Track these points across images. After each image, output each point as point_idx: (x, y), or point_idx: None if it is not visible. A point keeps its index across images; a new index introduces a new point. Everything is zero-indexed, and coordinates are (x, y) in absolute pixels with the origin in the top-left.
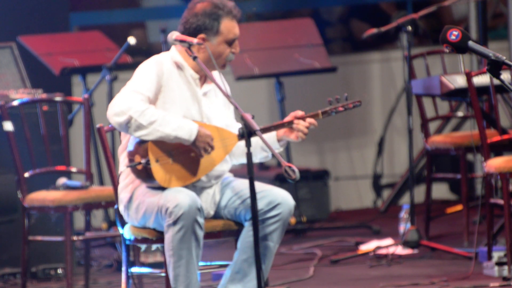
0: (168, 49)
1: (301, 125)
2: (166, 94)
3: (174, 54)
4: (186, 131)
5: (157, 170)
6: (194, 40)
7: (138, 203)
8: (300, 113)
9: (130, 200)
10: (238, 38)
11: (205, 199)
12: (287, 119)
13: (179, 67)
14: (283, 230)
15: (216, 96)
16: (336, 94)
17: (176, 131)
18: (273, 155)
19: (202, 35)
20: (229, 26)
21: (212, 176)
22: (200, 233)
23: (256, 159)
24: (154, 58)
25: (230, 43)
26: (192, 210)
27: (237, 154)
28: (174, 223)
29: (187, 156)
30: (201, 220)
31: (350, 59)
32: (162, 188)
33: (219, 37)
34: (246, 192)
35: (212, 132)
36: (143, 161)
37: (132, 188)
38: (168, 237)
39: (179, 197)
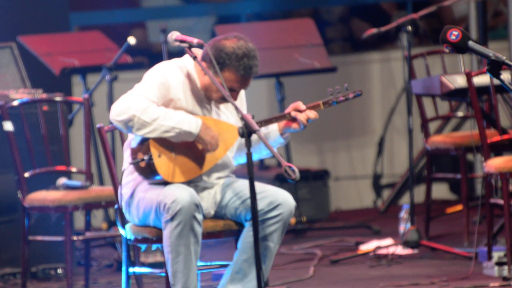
0: (168, 49)
1: (300, 116)
2: (175, 104)
3: (187, 62)
4: (191, 124)
5: (160, 165)
6: (194, 40)
7: (138, 199)
8: (301, 104)
9: (131, 196)
10: (238, 91)
11: (206, 198)
12: (287, 110)
13: (189, 75)
14: (283, 231)
15: (226, 107)
16: None
17: (181, 124)
18: (274, 155)
19: (205, 64)
20: (229, 78)
21: (213, 176)
22: (199, 229)
23: (262, 155)
24: (165, 67)
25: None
26: (190, 206)
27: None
28: (172, 218)
29: (190, 150)
30: (199, 216)
31: (350, 59)
32: (163, 185)
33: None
34: (247, 193)
35: (210, 124)
36: (145, 157)
37: (133, 185)
38: (166, 233)
39: (177, 193)
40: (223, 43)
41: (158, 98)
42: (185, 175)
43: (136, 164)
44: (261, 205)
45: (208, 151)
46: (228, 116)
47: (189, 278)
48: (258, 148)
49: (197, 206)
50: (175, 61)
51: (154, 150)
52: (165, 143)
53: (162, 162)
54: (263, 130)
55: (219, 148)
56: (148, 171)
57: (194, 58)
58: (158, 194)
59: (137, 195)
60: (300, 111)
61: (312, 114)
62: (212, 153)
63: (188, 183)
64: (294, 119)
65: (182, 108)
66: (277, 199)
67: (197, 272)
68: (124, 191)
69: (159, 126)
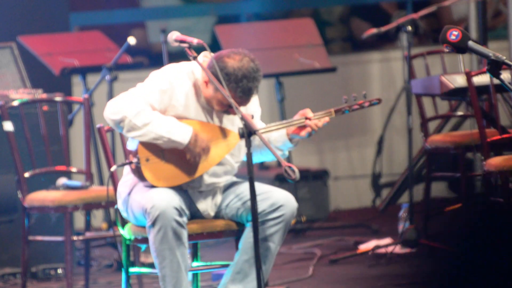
0: (168, 49)
1: (313, 124)
2: (176, 110)
3: (195, 68)
4: (180, 134)
5: (147, 170)
6: (194, 41)
7: (132, 201)
8: (309, 112)
9: (129, 194)
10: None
11: (206, 200)
12: (296, 117)
13: (196, 82)
14: (285, 232)
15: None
16: (336, 94)
17: (170, 133)
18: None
19: (206, 80)
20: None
21: (212, 180)
22: (182, 232)
23: (268, 158)
24: (172, 73)
25: (224, 104)
26: (168, 210)
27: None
28: (153, 224)
29: (181, 155)
30: (180, 219)
31: (350, 59)
32: (153, 187)
33: (218, 92)
34: (248, 194)
35: (213, 130)
36: (134, 160)
37: (131, 184)
38: (150, 238)
39: (155, 197)
40: (225, 62)
41: (158, 102)
42: (172, 180)
43: (128, 166)
44: (263, 206)
45: (195, 161)
46: (232, 122)
47: (178, 281)
48: (267, 151)
49: (177, 209)
50: (183, 66)
51: (142, 154)
52: (155, 148)
53: (149, 167)
54: (273, 133)
55: (218, 153)
56: (138, 174)
57: (194, 58)
58: (142, 197)
59: (132, 196)
60: (308, 118)
61: (320, 122)
62: (206, 157)
63: (187, 186)
64: (302, 126)
65: (183, 115)
66: (279, 200)
67: (188, 274)
68: (121, 189)
69: (148, 132)
